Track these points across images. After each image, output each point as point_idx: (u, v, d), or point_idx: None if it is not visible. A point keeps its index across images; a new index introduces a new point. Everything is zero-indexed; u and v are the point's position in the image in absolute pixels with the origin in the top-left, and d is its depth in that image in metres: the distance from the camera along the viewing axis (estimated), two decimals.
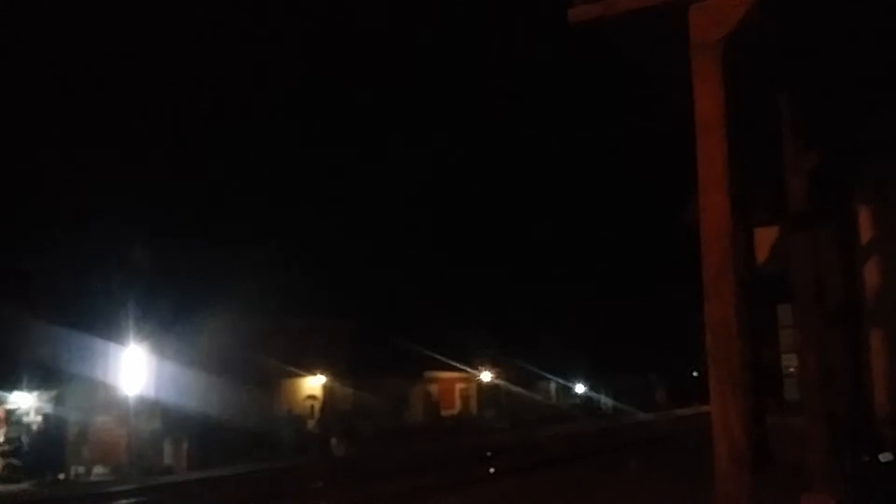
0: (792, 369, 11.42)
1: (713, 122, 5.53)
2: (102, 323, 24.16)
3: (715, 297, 5.11)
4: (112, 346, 24.11)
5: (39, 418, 23.92)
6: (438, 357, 38.67)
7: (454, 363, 40.69)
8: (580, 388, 55.42)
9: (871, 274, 8.90)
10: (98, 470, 23.36)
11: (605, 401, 57.37)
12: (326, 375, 34.97)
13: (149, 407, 24.69)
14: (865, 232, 9.04)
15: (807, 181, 7.88)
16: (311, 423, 33.66)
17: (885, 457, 7.91)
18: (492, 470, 19.56)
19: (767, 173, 8.56)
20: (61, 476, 22.43)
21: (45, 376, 24.15)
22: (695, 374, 58.00)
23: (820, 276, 7.88)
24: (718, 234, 5.21)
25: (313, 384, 34.96)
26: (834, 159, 8.62)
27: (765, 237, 10.91)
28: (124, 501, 17.12)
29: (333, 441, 30.24)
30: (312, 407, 34.69)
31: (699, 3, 5.73)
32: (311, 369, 34.27)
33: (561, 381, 52.80)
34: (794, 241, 8.08)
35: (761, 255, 10.95)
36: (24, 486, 21.44)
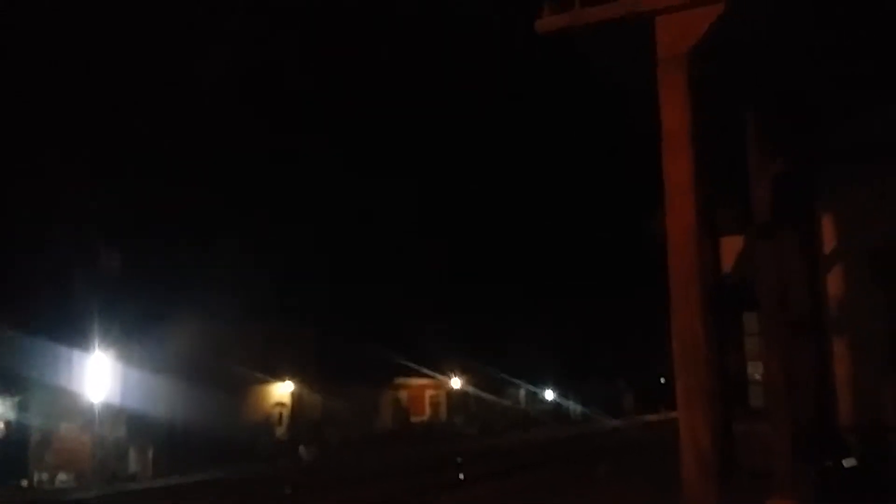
0: (758, 377, 11.56)
1: (679, 133, 5.61)
2: (67, 329, 23.86)
3: (682, 306, 5.16)
4: (77, 353, 23.84)
5: (2, 425, 23.55)
6: (408, 364, 38.67)
7: (424, 370, 40.71)
8: (549, 395, 55.68)
9: (835, 282, 9.02)
10: (62, 477, 23.05)
11: (574, 407, 57.69)
12: (295, 382, 34.77)
13: (114, 414, 24.41)
14: (829, 240, 9.17)
15: (771, 189, 7.99)
16: (279, 431, 33.44)
17: (848, 462, 8.03)
18: (461, 476, 19.55)
19: (733, 182, 8.66)
20: (24, 483, 22.11)
21: (7, 382, 23.80)
22: (662, 380, 58.62)
23: (784, 285, 7.98)
24: (685, 243, 5.27)
25: (281, 391, 34.73)
26: (798, 168, 8.75)
27: (731, 245, 11.03)
28: None
29: (302, 448, 30.07)
30: (281, 414, 34.47)
31: (665, 15, 5.80)
32: (279, 376, 34.05)
33: (530, 387, 53.02)
34: (758, 249, 8.18)
35: (727, 263, 11.07)
36: None
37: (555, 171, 69.18)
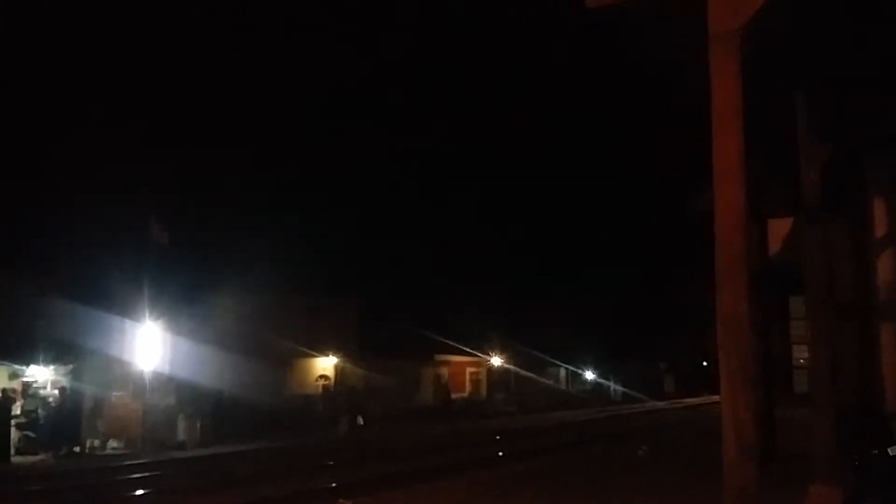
0: (802, 361, 11.45)
1: (729, 113, 5.54)
2: (119, 299, 24.45)
3: (727, 288, 5.14)
4: (128, 323, 24.41)
5: (55, 392, 24.20)
6: (449, 341, 38.89)
7: (465, 347, 40.91)
8: (590, 375, 55.54)
9: (884, 268, 8.90)
10: (112, 444, 23.66)
11: (615, 388, 57.45)
12: (338, 356, 35.21)
13: (163, 383, 24.99)
14: (879, 226, 9.03)
15: (821, 174, 7.88)
16: (322, 403, 33.92)
17: (893, 450, 7.94)
18: (500, 453, 19.69)
19: (782, 165, 8.55)
20: (76, 449, 22.73)
21: (61, 351, 24.43)
22: (704, 363, 58.05)
23: (832, 269, 7.90)
24: (732, 226, 5.24)
25: (325, 364, 35.21)
26: (849, 153, 8.61)
27: (778, 229, 10.90)
28: (138, 474, 17.35)
29: (346, 421, 30.47)
30: (325, 387, 34.96)
31: None
32: (323, 349, 34.52)
33: (571, 367, 52.93)
34: (807, 233, 8.09)
35: (774, 246, 10.94)
36: (39, 457, 21.75)
37: (601, 150, 68.47)
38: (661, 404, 48.66)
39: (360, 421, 29.37)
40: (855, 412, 8.40)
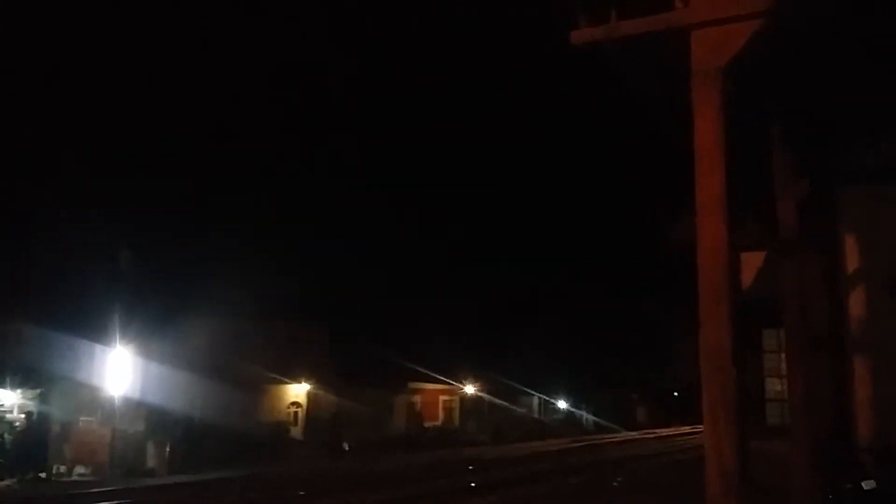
0: (773, 393, 11.56)
1: (712, 149, 5.62)
2: (89, 324, 24.16)
3: (711, 321, 5.18)
4: (98, 348, 24.12)
5: (23, 416, 23.80)
6: (422, 369, 38.74)
7: (438, 375, 40.77)
8: (562, 404, 55.52)
9: (856, 302, 9.01)
10: (80, 470, 23.26)
11: (587, 417, 57.46)
12: (311, 383, 34.92)
13: (133, 408, 24.65)
14: (851, 261, 9.16)
15: (795, 208, 8.00)
16: (294, 430, 33.58)
17: (868, 484, 8.00)
18: (473, 483, 19.58)
19: (755, 199, 8.68)
20: (42, 474, 22.31)
21: (29, 375, 24.07)
22: (675, 393, 58.34)
23: (806, 303, 7.98)
24: (715, 261, 5.28)
25: (297, 391, 34.89)
26: (823, 187, 8.76)
27: (751, 262, 11.04)
28: (104, 502, 17.03)
29: (317, 448, 30.21)
30: (296, 414, 34.63)
31: (701, 30, 5.83)
32: (295, 376, 34.22)
33: (543, 396, 52.91)
34: (781, 266, 8.18)
35: (747, 279, 11.07)
36: (5, 482, 21.32)
37: (573, 182, 69.14)
38: (633, 434, 48.71)
39: (346, 447, 29.13)
40: (828, 445, 8.46)
